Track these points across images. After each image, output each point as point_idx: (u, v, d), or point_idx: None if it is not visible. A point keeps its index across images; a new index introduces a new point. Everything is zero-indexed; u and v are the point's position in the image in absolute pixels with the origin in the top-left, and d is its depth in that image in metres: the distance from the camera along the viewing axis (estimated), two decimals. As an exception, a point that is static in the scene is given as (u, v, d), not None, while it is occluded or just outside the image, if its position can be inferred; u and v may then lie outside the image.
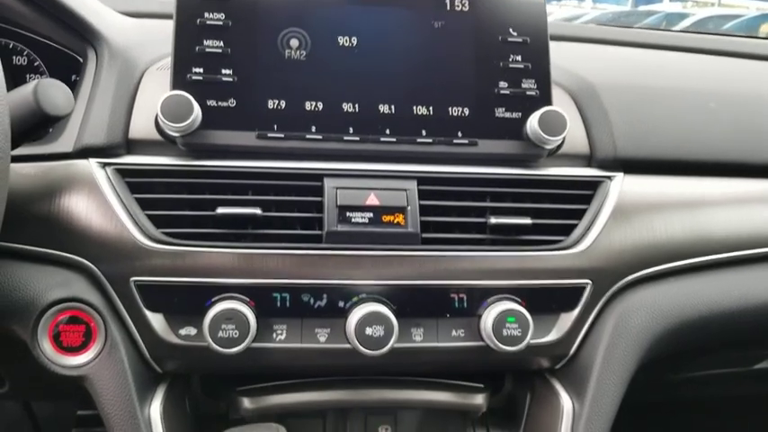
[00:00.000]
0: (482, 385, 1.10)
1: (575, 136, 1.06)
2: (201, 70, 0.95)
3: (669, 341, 1.04)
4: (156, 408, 0.93)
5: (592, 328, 1.02)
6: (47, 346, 0.90)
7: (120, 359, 0.91)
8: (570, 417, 1.01)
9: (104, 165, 0.93)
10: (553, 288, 0.99)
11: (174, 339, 0.93)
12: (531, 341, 0.97)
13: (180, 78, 0.94)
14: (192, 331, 0.93)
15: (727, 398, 1.88)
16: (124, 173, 0.93)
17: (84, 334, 0.91)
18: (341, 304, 0.95)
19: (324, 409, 1.15)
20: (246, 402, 1.03)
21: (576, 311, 1.01)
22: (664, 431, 2.07)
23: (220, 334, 0.89)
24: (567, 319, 1.01)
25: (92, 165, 0.93)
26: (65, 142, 0.95)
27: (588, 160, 1.06)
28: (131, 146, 0.96)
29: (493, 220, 0.97)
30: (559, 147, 1.04)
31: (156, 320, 0.93)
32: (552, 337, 1.01)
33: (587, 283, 1.00)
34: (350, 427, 1.22)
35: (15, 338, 0.91)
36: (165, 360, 0.95)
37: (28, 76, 1.14)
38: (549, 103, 1.01)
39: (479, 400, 1.09)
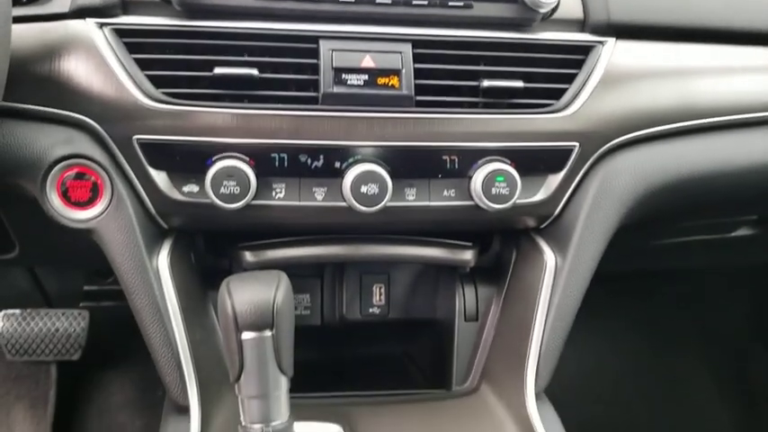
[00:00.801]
0: (470, 243, 1.16)
1: (568, 0, 1.06)
2: None
3: (650, 203, 1.09)
4: (163, 259, 0.99)
5: (577, 188, 1.07)
6: (56, 201, 0.94)
7: (127, 214, 0.95)
8: (552, 271, 1.07)
9: (101, 25, 0.94)
10: (542, 150, 1.03)
11: (177, 196, 0.97)
12: (519, 201, 1.02)
13: None
14: (195, 188, 0.97)
15: (704, 270, 1.98)
16: (122, 33, 0.94)
17: (91, 189, 0.94)
18: (337, 164, 0.98)
19: (321, 262, 1.22)
20: (248, 256, 1.09)
21: (563, 173, 1.05)
22: (641, 301, 2.18)
23: (222, 190, 0.93)
24: (553, 181, 1.06)
25: (89, 25, 0.94)
26: (61, 2, 0.95)
27: (581, 25, 1.07)
28: (127, 6, 0.96)
29: (485, 84, 0.99)
30: (553, 11, 1.04)
31: (160, 178, 0.96)
32: (539, 197, 1.06)
33: (575, 146, 1.04)
34: (346, 287, 1.29)
35: (26, 195, 0.95)
36: (170, 216, 1.00)
37: None
38: None
39: (468, 255, 1.15)
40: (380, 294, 1.29)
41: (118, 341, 2.01)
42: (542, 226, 1.11)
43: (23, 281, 1.85)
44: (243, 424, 0.82)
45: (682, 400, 2.14)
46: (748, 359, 2.15)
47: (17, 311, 1.83)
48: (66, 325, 1.84)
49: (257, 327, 0.78)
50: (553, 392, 1.09)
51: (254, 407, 0.81)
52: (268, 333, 0.79)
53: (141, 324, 0.97)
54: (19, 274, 1.83)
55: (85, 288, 1.92)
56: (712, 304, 2.18)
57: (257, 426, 0.80)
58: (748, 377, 2.14)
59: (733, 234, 1.40)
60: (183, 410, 0.98)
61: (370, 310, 1.29)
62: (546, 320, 1.06)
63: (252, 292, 0.79)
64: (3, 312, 1.81)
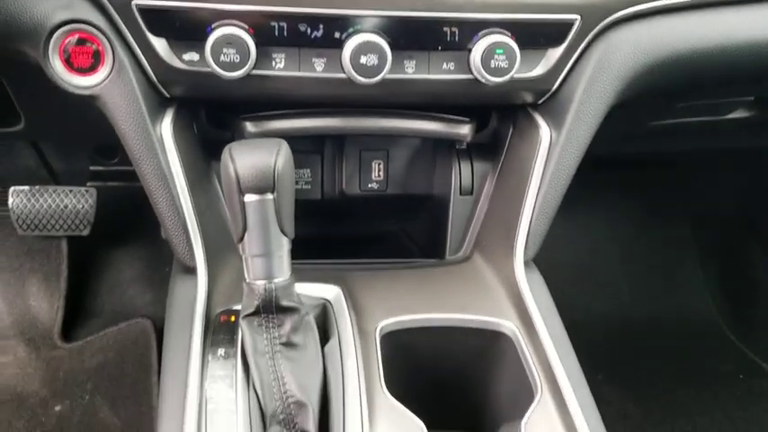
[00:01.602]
0: (468, 119, 1.18)
1: None
2: None
3: (648, 79, 1.10)
4: (166, 126, 1.01)
5: (576, 63, 1.07)
6: (59, 67, 0.95)
7: (129, 80, 0.96)
8: (547, 146, 1.09)
9: None
10: (542, 23, 1.03)
11: (178, 64, 0.98)
12: (518, 75, 1.03)
13: None
14: (195, 57, 0.98)
15: (698, 156, 2.00)
16: None
17: (92, 56, 0.95)
18: (337, 34, 0.99)
19: (322, 135, 1.24)
20: (250, 127, 1.11)
21: (563, 47, 1.05)
22: (635, 190, 2.22)
23: (222, 58, 0.94)
24: (553, 55, 1.06)
25: None
26: None
27: None
28: None
29: None
30: None
31: (160, 45, 0.97)
32: (538, 71, 1.07)
33: (576, 19, 1.03)
34: (345, 162, 1.32)
35: (31, 63, 0.96)
36: (171, 84, 1.01)
37: None
38: None
39: (465, 130, 1.17)
40: (379, 170, 1.32)
41: (125, 220, 2.07)
42: (540, 101, 1.13)
43: (30, 158, 1.88)
44: (247, 281, 0.86)
45: (667, 284, 2.23)
46: (737, 247, 2.21)
47: (26, 188, 1.87)
48: (74, 201, 1.89)
49: (259, 190, 0.81)
50: (543, 273, 1.14)
51: (258, 264, 0.85)
52: (269, 196, 0.82)
53: (148, 189, 1.01)
54: (26, 151, 1.86)
55: (91, 168, 1.96)
56: (704, 193, 2.22)
57: (261, 282, 0.85)
58: (736, 265, 2.21)
59: (729, 116, 1.41)
60: (191, 271, 1.03)
61: (370, 185, 1.33)
62: (538, 193, 1.09)
63: (254, 156, 0.81)
64: (12, 188, 1.86)
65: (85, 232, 1.91)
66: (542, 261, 1.14)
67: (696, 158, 2.03)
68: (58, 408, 1.68)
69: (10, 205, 1.85)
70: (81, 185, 1.94)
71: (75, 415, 1.66)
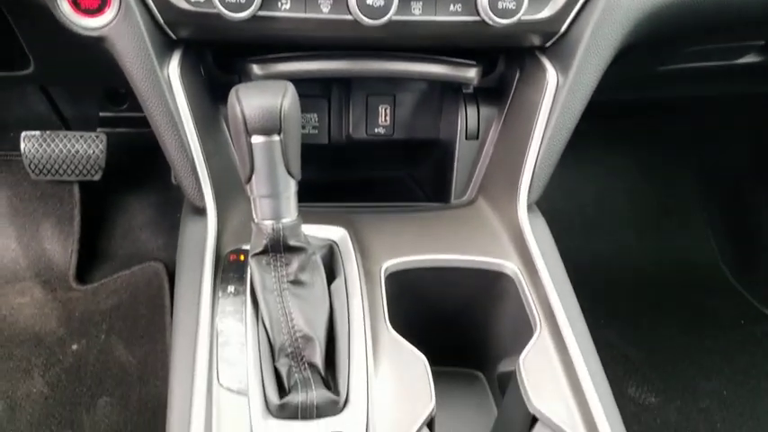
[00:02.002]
0: (474, 62, 1.18)
1: None
2: None
3: (656, 22, 1.09)
4: (174, 68, 1.02)
5: (585, 5, 1.06)
6: (66, 8, 0.95)
7: (136, 22, 0.97)
8: (553, 90, 1.09)
9: None
10: None
11: (184, 5, 0.98)
12: (525, 17, 1.02)
13: None
14: None
15: (707, 103, 1.99)
16: None
17: (99, -4, 0.96)
18: None
19: (328, 78, 1.24)
20: (256, 69, 1.12)
21: None
22: (642, 138, 2.22)
23: None
24: (561, -4, 1.05)
25: None
26: None
27: None
28: None
29: None
30: None
31: None
32: (546, 13, 1.06)
33: None
34: (352, 107, 1.32)
35: (39, 4, 0.97)
36: (177, 26, 1.02)
37: None
38: None
39: (472, 73, 1.17)
40: (386, 115, 1.33)
41: (136, 166, 2.10)
42: (547, 44, 1.12)
43: (41, 104, 1.89)
44: (256, 221, 0.88)
45: (672, 230, 2.24)
46: (744, 194, 2.21)
47: (37, 133, 1.90)
48: (85, 147, 1.91)
49: (266, 131, 0.82)
50: (547, 219, 1.16)
51: (266, 205, 0.86)
52: (276, 137, 0.83)
53: (157, 131, 1.02)
54: (36, 97, 1.88)
55: (101, 114, 1.97)
56: (713, 139, 2.21)
57: (269, 222, 0.87)
58: (741, 211, 2.22)
59: (739, 61, 1.40)
60: (201, 212, 1.05)
61: (376, 129, 1.33)
62: (543, 137, 1.10)
63: (260, 98, 0.82)
64: (24, 133, 1.88)
65: (97, 177, 1.94)
66: (546, 207, 1.16)
67: (706, 104, 2.02)
68: (74, 347, 1.74)
69: (22, 150, 1.88)
70: (91, 131, 1.96)
71: (91, 353, 1.72)
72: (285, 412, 0.80)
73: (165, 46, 1.03)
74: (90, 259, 2.00)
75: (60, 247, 1.98)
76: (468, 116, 1.23)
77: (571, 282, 1.03)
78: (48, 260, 1.95)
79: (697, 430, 1.74)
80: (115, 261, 2.02)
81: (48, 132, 1.91)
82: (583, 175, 2.19)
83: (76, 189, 2.01)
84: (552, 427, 0.83)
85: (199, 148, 1.03)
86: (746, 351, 1.95)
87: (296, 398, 0.81)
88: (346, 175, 1.51)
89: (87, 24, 0.97)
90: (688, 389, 1.82)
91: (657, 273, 2.14)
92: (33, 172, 1.91)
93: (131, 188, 2.12)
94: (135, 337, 1.75)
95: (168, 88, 1.01)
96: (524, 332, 0.95)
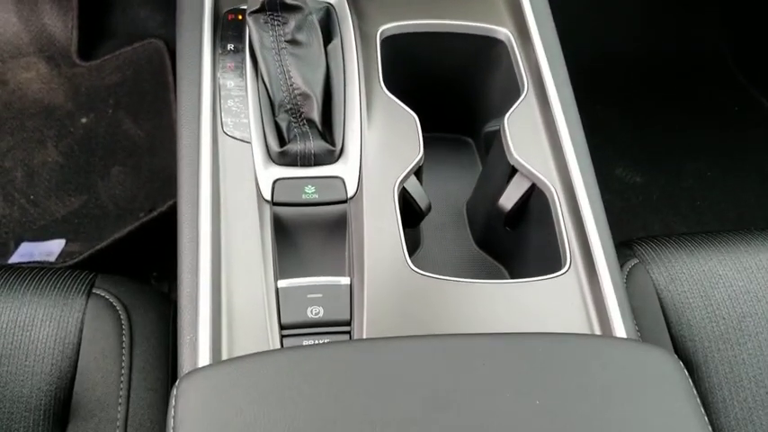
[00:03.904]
0: None
1: None
2: None
3: None
4: None
5: None
6: None
7: None
8: None
9: None
10: None
11: None
12: None
13: None
14: None
15: None
16: None
17: None
18: None
19: None
20: None
21: None
22: None
23: None
24: None
25: None
26: None
27: None
28: None
29: None
30: None
31: None
32: None
33: None
34: None
35: None
36: None
37: None
38: None
39: None
40: None
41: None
42: None
43: None
44: None
45: (681, 19, 2.19)
46: None
47: None
48: None
49: None
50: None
51: None
52: None
53: None
54: None
55: None
56: None
57: None
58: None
59: None
60: None
61: None
62: None
63: None
64: None
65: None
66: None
67: None
68: (84, 120, 1.80)
69: None
70: None
71: (100, 126, 1.78)
72: (285, 159, 0.87)
73: None
74: (90, 35, 1.99)
75: (60, 23, 1.96)
76: None
77: (568, 55, 1.05)
78: (49, 35, 1.95)
79: (678, 207, 1.84)
80: (116, 38, 2.01)
81: None
82: None
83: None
84: (529, 176, 0.90)
85: None
86: (736, 135, 2.00)
87: (295, 146, 0.87)
88: None
89: None
90: (673, 168, 1.90)
91: (660, 60, 2.12)
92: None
93: None
94: (141, 112, 1.81)
95: None
96: (513, 96, 0.99)
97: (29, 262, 1.55)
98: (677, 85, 2.10)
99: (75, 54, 1.93)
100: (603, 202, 0.88)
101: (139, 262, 1.63)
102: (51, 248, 1.57)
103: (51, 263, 1.54)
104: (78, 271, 1.00)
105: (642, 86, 2.09)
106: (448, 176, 1.18)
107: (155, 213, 1.57)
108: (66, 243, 1.58)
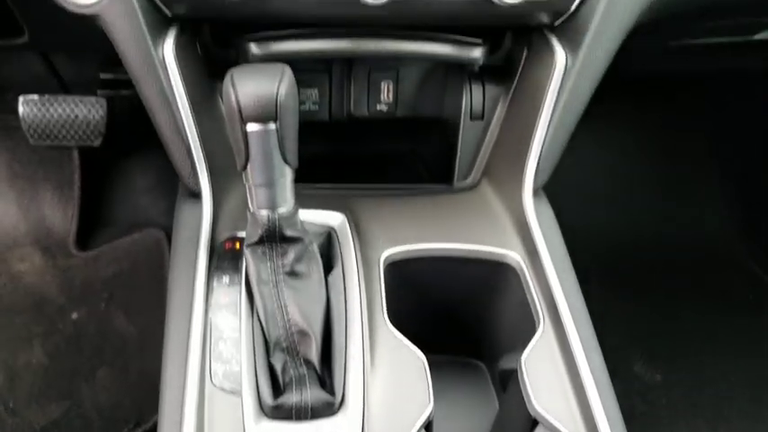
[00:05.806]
0: (480, 41, 1.14)
1: None
2: None
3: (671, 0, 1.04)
4: (169, 47, 0.98)
5: None
6: None
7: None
8: (562, 71, 1.05)
9: None
10: None
11: None
12: None
13: None
14: None
15: (720, 76, 1.93)
16: None
17: (91, -31, 0.92)
18: None
19: (328, 57, 1.20)
20: (254, 48, 1.08)
21: None
22: (654, 108, 2.17)
23: None
24: (571, -27, 1.00)
25: None
26: None
27: None
28: None
29: None
30: None
31: None
32: None
33: None
34: (354, 83, 1.28)
35: None
36: (172, 3, 0.98)
37: None
38: None
39: (477, 53, 1.13)
40: (388, 91, 1.29)
41: (137, 130, 2.05)
42: (556, 23, 1.08)
43: (38, 66, 1.85)
44: (251, 210, 0.86)
45: (684, 201, 2.20)
46: (758, 167, 2.17)
47: (35, 97, 1.85)
48: (84, 112, 1.87)
49: (261, 119, 0.79)
50: (554, 192, 1.13)
51: (261, 194, 0.84)
52: (272, 126, 0.80)
53: (151, 113, 0.99)
54: (34, 59, 1.83)
55: (102, 76, 1.92)
56: (729, 111, 2.15)
57: (264, 211, 0.85)
58: (755, 184, 2.18)
59: (755, 37, 1.34)
60: (196, 196, 1.03)
61: (378, 107, 1.30)
62: (550, 120, 1.06)
63: (256, 84, 0.78)
64: (22, 97, 1.84)
65: (97, 143, 1.90)
66: (553, 176, 1.12)
67: (721, 78, 1.96)
68: (75, 315, 1.74)
69: (20, 114, 1.84)
70: (91, 93, 1.91)
71: (91, 322, 1.72)
72: (279, 413, 0.79)
73: (160, 24, 0.99)
74: (90, 225, 1.99)
75: (60, 213, 1.96)
76: (474, 96, 1.19)
77: (579, 256, 1.00)
78: (48, 226, 1.94)
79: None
80: (115, 227, 2.00)
81: (47, 96, 1.86)
82: (591, 140, 2.13)
83: (76, 154, 1.98)
84: (553, 430, 0.82)
85: (194, 131, 1.00)
86: (752, 315, 1.92)
87: (290, 398, 0.80)
88: (347, 152, 1.47)
89: (79, 2, 0.93)
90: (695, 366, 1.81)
91: (663, 243, 2.11)
92: (32, 137, 1.88)
93: (131, 151, 2.09)
94: (135, 307, 1.75)
95: (163, 68, 0.97)
96: (527, 326, 0.94)
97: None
98: (687, 272, 2.06)
99: (73, 244, 1.91)
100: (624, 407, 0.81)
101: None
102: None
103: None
104: None
105: (648, 273, 2.05)
106: (459, 409, 1.09)
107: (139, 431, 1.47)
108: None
